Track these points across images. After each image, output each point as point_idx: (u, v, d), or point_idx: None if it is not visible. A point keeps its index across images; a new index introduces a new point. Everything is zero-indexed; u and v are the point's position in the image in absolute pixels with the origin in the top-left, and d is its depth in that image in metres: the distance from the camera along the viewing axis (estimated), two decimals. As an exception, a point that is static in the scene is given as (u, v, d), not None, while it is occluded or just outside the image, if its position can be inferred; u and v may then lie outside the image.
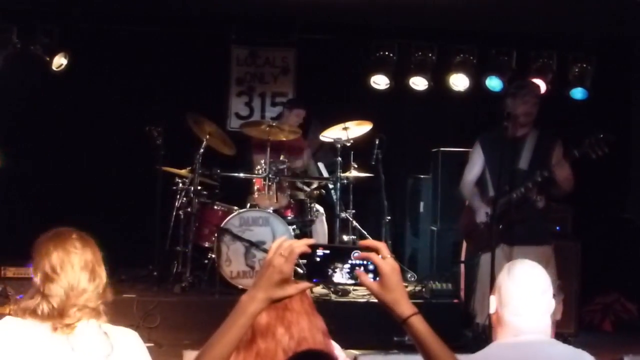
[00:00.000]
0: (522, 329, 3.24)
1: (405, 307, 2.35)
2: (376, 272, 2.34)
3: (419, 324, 2.35)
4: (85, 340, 2.83)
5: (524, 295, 3.25)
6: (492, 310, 3.33)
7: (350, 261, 2.35)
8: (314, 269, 2.36)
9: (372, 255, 2.33)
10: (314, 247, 2.35)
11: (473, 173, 7.00)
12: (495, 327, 3.34)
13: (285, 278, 2.30)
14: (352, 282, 2.37)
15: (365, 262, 2.35)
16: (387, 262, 2.34)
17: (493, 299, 3.34)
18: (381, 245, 2.35)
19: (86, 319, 2.87)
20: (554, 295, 6.54)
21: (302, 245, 2.33)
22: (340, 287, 8.01)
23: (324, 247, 2.36)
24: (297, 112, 9.35)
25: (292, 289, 2.32)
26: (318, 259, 2.35)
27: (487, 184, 6.88)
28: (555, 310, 6.67)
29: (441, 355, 2.37)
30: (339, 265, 2.34)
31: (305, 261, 2.36)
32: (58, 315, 2.83)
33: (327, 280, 2.37)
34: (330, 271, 2.35)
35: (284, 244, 2.33)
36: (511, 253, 6.52)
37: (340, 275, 2.35)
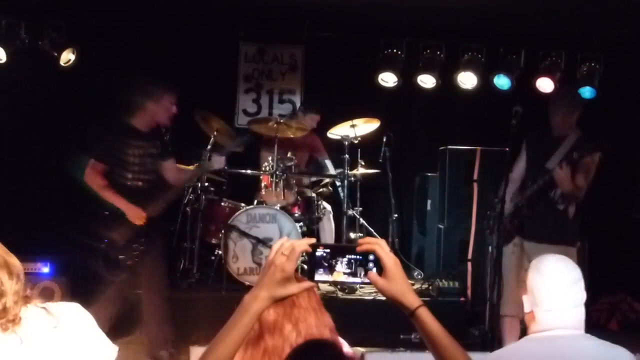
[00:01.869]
0: (554, 325, 3.27)
1: (412, 298, 2.41)
2: (379, 267, 2.37)
3: (426, 315, 2.40)
4: (29, 325, 2.81)
5: (553, 290, 3.29)
6: (526, 309, 3.36)
7: (349, 256, 2.38)
8: (315, 267, 2.39)
9: (376, 247, 2.36)
10: (314, 246, 2.38)
11: (517, 171, 7.08)
12: (528, 324, 3.37)
13: (287, 277, 2.35)
14: (353, 280, 2.41)
15: (365, 258, 2.38)
16: (389, 255, 2.38)
17: (526, 299, 3.36)
18: (381, 242, 2.39)
19: (23, 308, 2.85)
20: None
21: (303, 244, 2.38)
22: (344, 285, 8.02)
23: (325, 246, 2.40)
24: (311, 117, 9.35)
25: (294, 287, 2.37)
26: (319, 258, 2.38)
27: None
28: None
29: (449, 347, 2.40)
30: (340, 261, 2.38)
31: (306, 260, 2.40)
32: None
33: (328, 278, 2.40)
34: (331, 268, 2.38)
35: (285, 244, 2.39)
36: (525, 247, 6.58)
37: (341, 271, 2.38)
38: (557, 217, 6.71)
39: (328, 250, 2.40)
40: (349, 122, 8.87)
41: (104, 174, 6.88)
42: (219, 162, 7.38)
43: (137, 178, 6.96)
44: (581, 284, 3.36)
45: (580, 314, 3.32)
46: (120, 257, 6.84)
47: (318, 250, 2.39)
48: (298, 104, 10.28)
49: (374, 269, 2.39)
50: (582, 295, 3.34)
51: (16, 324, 2.77)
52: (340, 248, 2.44)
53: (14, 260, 2.91)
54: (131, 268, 6.85)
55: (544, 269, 3.34)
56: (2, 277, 2.82)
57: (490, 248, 7.02)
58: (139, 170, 6.96)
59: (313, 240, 2.40)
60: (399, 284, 2.38)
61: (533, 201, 6.64)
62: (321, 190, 9.26)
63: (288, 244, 2.37)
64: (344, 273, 2.39)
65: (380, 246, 2.38)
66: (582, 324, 3.33)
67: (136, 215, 6.80)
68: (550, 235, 6.60)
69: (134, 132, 7.01)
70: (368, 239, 2.44)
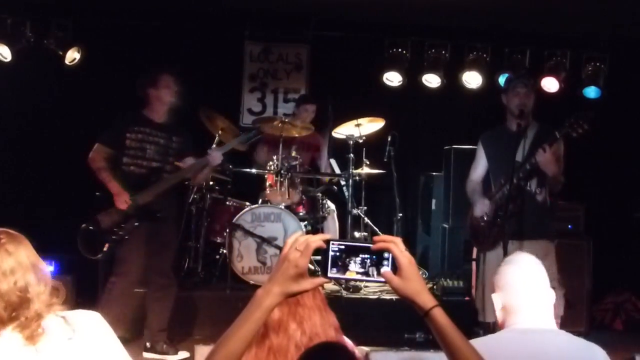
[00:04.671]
0: (529, 317, 3.27)
1: (427, 299, 2.36)
2: (394, 267, 2.35)
3: (441, 316, 2.36)
4: (46, 335, 2.77)
5: (524, 275, 3.32)
6: (498, 306, 3.35)
7: (363, 255, 2.36)
8: (329, 264, 2.37)
9: (391, 246, 2.34)
10: (329, 242, 2.36)
11: (477, 171, 7.04)
12: (503, 320, 3.35)
13: (300, 272, 2.32)
14: (367, 277, 2.38)
15: (379, 257, 2.36)
16: (404, 254, 2.35)
17: (496, 297, 3.36)
18: (396, 240, 2.36)
19: (45, 315, 2.81)
20: (554, 289, 6.53)
21: (317, 240, 2.34)
22: (354, 283, 8.04)
23: (339, 242, 2.37)
24: (305, 107, 9.32)
25: (307, 283, 2.33)
26: (333, 254, 2.36)
27: (490, 181, 6.90)
28: (558, 305, 6.64)
29: (463, 348, 2.37)
30: (354, 260, 2.36)
31: (319, 257, 2.38)
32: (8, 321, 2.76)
33: (341, 276, 2.38)
34: (344, 266, 2.36)
35: (299, 239, 2.35)
36: (514, 249, 6.51)
37: (354, 271, 2.36)
38: (536, 211, 6.60)
39: (342, 247, 2.37)
40: (354, 122, 8.87)
41: (106, 158, 7.13)
42: (216, 157, 7.32)
43: (133, 163, 7.12)
44: (547, 282, 3.39)
45: (550, 305, 3.34)
46: (101, 239, 7.01)
47: (332, 246, 2.37)
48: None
49: (389, 268, 2.36)
50: (551, 295, 3.37)
51: (41, 335, 2.75)
52: (355, 246, 2.41)
53: (42, 266, 2.89)
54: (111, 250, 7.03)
55: (510, 260, 3.42)
56: (31, 280, 2.82)
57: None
58: (135, 155, 7.12)
59: (328, 236, 2.37)
60: (414, 284, 2.35)
61: (516, 196, 6.52)
62: (322, 186, 9.25)
63: (303, 239, 2.34)
64: (357, 272, 2.37)
65: (395, 244, 2.34)
66: (552, 315, 3.34)
67: (120, 200, 6.95)
68: (531, 231, 6.52)
69: (142, 119, 7.22)
70: (384, 236, 2.39)
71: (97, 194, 7.10)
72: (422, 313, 2.37)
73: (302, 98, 9.79)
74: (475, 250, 7.93)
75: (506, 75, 9.38)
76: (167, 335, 7.39)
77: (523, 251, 6.46)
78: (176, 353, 7.17)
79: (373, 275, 2.36)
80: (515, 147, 6.46)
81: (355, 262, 2.36)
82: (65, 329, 2.80)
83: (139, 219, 7.04)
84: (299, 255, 2.31)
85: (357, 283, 8.11)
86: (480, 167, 7.01)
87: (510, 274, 3.35)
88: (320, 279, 2.37)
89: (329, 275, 2.37)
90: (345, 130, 8.99)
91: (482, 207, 6.79)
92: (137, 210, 7.02)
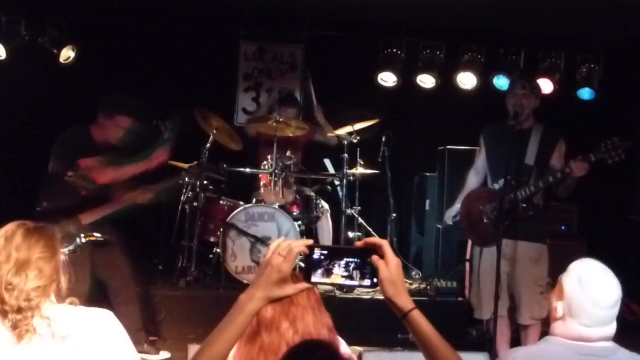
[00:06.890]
0: (588, 337, 3.20)
1: (407, 300, 2.40)
2: (374, 272, 2.37)
3: (419, 318, 2.40)
4: (49, 325, 2.78)
5: (597, 309, 3.21)
6: (559, 314, 3.26)
7: (347, 259, 2.38)
8: (312, 268, 2.39)
9: (384, 243, 2.36)
10: (312, 248, 2.38)
11: (477, 164, 7.03)
12: (555, 323, 3.29)
13: (283, 277, 2.35)
14: (350, 282, 2.40)
15: (362, 261, 2.38)
16: (390, 256, 2.37)
17: (560, 305, 3.26)
18: (383, 242, 2.38)
19: (37, 310, 2.82)
20: (542, 293, 6.50)
21: (300, 245, 2.37)
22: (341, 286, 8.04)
23: (322, 247, 2.39)
24: (285, 110, 9.16)
25: (290, 288, 2.36)
26: (316, 259, 2.37)
27: (487, 176, 6.88)
28: (543, 307, 6.63)
29: (442, 350, 2.40)
30: (337, 263, 2.37)
31: (304, 261, 2.39)
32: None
33: (324, 280, 2.40)
34: (328, 270, 2.37)
35: (282, 244, 2.38)
36: (509, 248, 6.49)
37: (339, 274, 2.38)
38: (537, 215, 6.61)
39: (325, 252, 2.39)
40: (349, 122, 8.86)
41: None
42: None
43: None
44: (620, 300, 3.30)
45: (614, 326, 3.28)
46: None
47: (315, 251, 2.38)
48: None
49: (371, 272, 2.38)
50: (618, 310, 3.29)
51: (31, 333, 2.75)
52: (338, 250, 2.43)
53: (59, 259, 2.96)
54: None
55: (589, 282, 3.26)
56: (45, 268, 2.88)
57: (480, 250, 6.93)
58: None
59: (310, 242, 2.39)
60: (395, 286, 2.38)
61: (526, 201, 6.50)
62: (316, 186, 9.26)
63: (285, 244, 2.37)
64: (342, 276, 2.38)
65: (386, 244, 2.38)
66: (612, 335, 3.28)
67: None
68: (528, 233, 6.52)
69: (95, 142, 7.16)
70: (369, 239, 2.42)
71: (39, 208, 7.01)
72: (401, 314, 2.40)
73: (281, 99, 9.65)
74: (469, 250, 7.93)
75: (500, 76, 9.40)
76: (158, 334, 7.39)
77: (522, 253, 6.45)
78: (157, 353, 7.13)
79: (356, 278, 2.38)
80: (520, 147, 6.48)
81: (339, 266, 2.37)
82: (67, 324, 2.82)
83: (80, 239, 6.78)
84: (282, 260, 2.35)
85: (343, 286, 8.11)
86: (480, 160, 6.97)
87: (576, 291, 3.24)
88: (303, 284, 2.39)
89: (313, 279, 2.39)
90: (339, 130, 8.98)
91: (455, 210, 6.81)
92: (79, 230, 6.75)
